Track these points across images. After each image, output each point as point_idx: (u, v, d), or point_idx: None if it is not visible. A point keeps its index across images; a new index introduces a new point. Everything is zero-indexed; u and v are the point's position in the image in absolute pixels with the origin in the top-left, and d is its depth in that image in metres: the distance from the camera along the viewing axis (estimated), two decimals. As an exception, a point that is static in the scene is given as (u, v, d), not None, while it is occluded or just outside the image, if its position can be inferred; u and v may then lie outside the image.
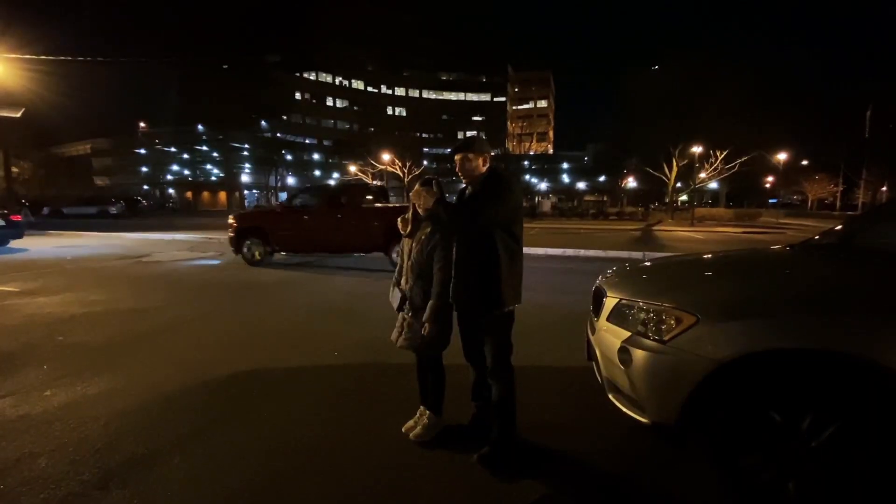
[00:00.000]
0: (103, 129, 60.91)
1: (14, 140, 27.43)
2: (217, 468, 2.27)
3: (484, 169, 2.30)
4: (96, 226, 20.38)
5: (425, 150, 59.27)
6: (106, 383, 3.29)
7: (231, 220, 9.51)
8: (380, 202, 9.93)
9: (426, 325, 2.27)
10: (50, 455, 2.37)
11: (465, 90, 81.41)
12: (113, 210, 32.70)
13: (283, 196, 57.49)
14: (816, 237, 3.15)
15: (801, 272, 2.48)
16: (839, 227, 3.22)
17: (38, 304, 5.72)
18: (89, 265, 9.13)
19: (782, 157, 32.15)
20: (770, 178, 44.32)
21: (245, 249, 9.33)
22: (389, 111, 77.26)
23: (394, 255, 8.81)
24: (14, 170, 29.24)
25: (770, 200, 47.44)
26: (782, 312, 1.88)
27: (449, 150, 2.37)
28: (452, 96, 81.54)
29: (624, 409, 2.23)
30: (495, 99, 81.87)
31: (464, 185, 2.39)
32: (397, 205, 9.84)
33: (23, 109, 17.37)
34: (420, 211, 2.35)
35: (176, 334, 4.54)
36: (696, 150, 28.67)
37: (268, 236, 9.24)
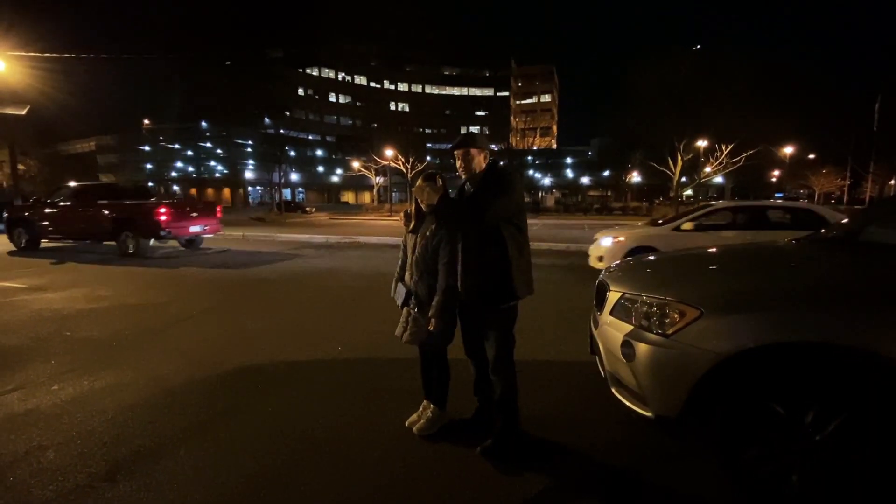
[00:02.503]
0: (108, 126, 61.19)
1: (20, 137, 27.57)
2: (222, 461, 2.29)
3: (483, 164, 2.32)
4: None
5: (428, 145, 59.16)
6: (112, 377, 3.32)
7: (5, 213, 11.31)
8: (140, 199, 10.99)
9: (432, 319, 2.27)
10: (58, 448, 2.40)
11: (468, 85, 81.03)
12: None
13: (287, 192, 57.74)
14: (822, 231, 3.14)
15: (805, 266, 2.47)
16: (845, 220, 3.20)
17: (45, 299, 5.77)
18: (95, 261, 9.20)
19: (789, 150, 31.84)
20: (776, 172, 43.94)
21: (15, 236, 10.92)
22: (392, 106, 76.99)
23: (120, 243, 9.98)
24: (20, 167, 29.38)
25: (776, 195, 47.03)
26: (786, 306, 1.87)
27: (450, 145, 2.37)
28: (455, 91, 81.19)
29: (627, 403, 2.23)
30: (498, 94, 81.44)
31: (464, 181, 2.39)
32: (137, 202, 10.75)
33: (28, 107, 17.44)
34: (423, 207, 2.34)
35: (181, 329, 4.58)
36: (702, 144, 28.46)
37: (32, 225, 10.77)
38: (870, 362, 1.65)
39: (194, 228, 10.73)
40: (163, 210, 9.84)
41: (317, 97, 71.13)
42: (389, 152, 36.54)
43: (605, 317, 2.42)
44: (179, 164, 62.57)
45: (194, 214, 10.85)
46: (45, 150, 46.61)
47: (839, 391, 1.71)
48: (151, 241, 10.23)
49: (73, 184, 12.24)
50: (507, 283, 2.21)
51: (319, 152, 68.31)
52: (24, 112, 17.32)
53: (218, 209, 11.62)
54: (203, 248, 11.56)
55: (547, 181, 66.55)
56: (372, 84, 76.41)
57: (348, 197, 70.64)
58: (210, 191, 61.77)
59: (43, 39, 18.82)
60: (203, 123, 59.24)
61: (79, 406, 2.88)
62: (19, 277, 7.27)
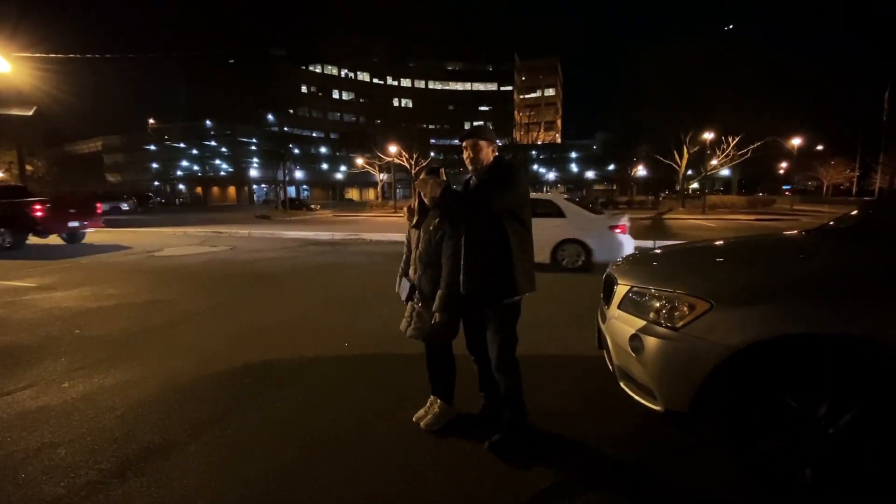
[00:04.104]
0: (114, 126, 61.73)
1: (27, 138, 27.83)
2: (231, 456, 2.30)
3: (491, 158, 2.29)
4: (109, 222, 20.63)
5: (432, 141, 58.95)
6: (122, 375, 3.35)
7: None
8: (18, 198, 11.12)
9: (436, 314, 2.26)
10: (69, 445, 2.42)
11: (472, 80, 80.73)
12: (125, 206, 33.22)
13: (292, 190, 57.89)
14: (831, 222, 3.09)
15: (816, 257, 2.43)
16: (855, 211, 3.15)
17: (55, 298, 5.83)
18: (104, 260, 9.27)
19: (797, 142, 31.43)
20: (784, 164, 43.45)
21: None
22: (396, 103, 76.89)
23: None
24: (28, 168, 29.65)
25: (784, 187, 46.54)
26: (797, 298, 1.85)
27: (456, 139, 2.34)
28: (459, 86, 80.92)
29: (636, 397, 2.22)
30: (502, 88, 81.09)
31: (469, 175, 2.37)
32: (12, 201, 10.78)
33: (34, 108, 17.58)
34: (426, 200, 2.32)
35: (190, 326, 4.60)
36: (708, 136, 28.17)
37: None
38: (881, 353, 1.62)
39: (72, 224, 11.33)
40: (38, 208, 10.27)
41: (320, 94, 71.18)
42: (393, 148, 36.46)
43: (613, 311, 2.40)
44: (185, 163, 62.86)
45: (72, 211, 11.32)
46: (52, 151, 47.01)
47: (851, 383, 1.69)
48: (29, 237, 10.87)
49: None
50: (508, 279, 2.19)
51: (323, 149, 68.33)
52: (30, 113, 17.48)
53: (98, 206, 12.21)
54: (210, 247, 11.63)
55: (551, 176, 66.22)
56: (375, 80, 76.32)
57: (353, 194, 70.73)
58: (216, 189, 62.08)
59: (48, 41, 18.91)
60: (207, 122, 59.45)
61: (89, 403, 2.90)
62: (29, 277, 7.34)
